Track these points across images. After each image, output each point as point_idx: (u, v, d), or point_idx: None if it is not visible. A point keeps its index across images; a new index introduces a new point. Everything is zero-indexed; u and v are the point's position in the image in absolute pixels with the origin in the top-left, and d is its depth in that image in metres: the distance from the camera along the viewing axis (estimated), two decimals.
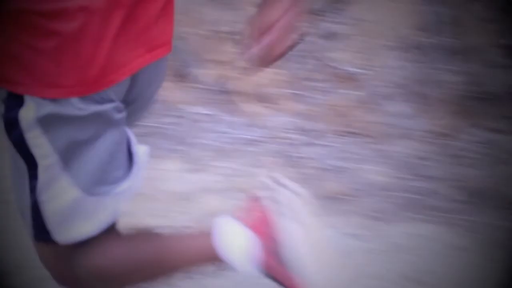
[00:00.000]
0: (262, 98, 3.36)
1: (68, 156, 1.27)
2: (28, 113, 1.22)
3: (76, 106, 1.21)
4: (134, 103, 1.41)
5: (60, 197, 1.31)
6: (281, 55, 1.34)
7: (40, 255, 1.53)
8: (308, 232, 1.35)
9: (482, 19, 3.38)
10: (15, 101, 1.22)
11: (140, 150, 1.44)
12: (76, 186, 1.29)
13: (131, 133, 1.42)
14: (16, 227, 2.82)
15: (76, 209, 1.33)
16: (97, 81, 1.21)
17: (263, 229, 1.36)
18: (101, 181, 1.32)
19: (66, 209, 1.33)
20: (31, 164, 1.28)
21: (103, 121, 1.27)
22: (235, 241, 1.37)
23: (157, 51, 1.35)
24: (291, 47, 1.33)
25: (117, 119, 1.30)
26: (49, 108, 1.20)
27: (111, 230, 1.46)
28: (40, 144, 1.25)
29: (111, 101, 1.26)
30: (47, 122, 1.22)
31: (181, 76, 3.47)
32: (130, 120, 1.42)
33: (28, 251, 2.54)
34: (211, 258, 1.39)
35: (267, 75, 3.29)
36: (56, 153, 1.25)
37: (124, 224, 2.50)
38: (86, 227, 1.37)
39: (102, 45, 1.19)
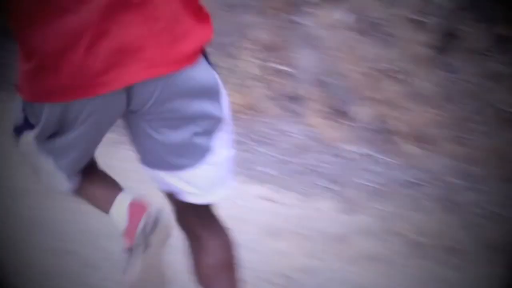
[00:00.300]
0: (421, 139, 3.30)
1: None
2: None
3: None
4: (144, 112, 1.57)
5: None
6: None
7: None
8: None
9: None
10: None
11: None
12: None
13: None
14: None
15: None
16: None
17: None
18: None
19: None
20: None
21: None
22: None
23: (150, 70, 1.48)
24: None
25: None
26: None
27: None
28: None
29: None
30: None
31: (339, 114, 3.47)
32: (158, 123, 1.60)
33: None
34: None
35: (427, 115, 3.23)
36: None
37: (280, 262, 2.52)
38: None
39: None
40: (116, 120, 1.63)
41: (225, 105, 1.67)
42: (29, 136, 1.68)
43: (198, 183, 1.73)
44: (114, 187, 1.82)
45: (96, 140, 1.68)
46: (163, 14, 1.50)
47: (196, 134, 1.63)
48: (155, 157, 1.69)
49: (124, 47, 1.45)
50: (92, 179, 1.82)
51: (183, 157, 1.67)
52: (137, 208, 1.66)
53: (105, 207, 1.76)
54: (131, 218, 1.65)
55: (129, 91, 1.50)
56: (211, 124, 1.65)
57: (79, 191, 1.83)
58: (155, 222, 1.66)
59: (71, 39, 1.42)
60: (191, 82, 1.57)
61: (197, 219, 1.85)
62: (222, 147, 1.71)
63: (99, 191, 1.82)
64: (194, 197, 1.77)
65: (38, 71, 1.51)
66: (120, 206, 1.69)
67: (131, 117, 1.64)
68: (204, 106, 1.60)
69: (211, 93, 1.63)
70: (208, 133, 1.65)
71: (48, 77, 1.49)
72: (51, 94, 1.52)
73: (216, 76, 1.64)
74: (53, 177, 1.77)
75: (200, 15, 1.59)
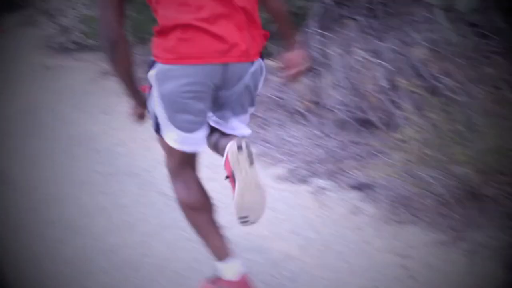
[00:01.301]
0: None
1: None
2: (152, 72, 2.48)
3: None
4: (227, 89, 2.57)
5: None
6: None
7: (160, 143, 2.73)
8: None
9: None
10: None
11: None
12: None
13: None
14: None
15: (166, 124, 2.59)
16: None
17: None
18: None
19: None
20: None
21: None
22: None
23: (235, 57, 2.48)
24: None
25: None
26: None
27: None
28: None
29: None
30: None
31: None
32: (232, 102, 2.64)
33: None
34: None
35: None
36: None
37: None
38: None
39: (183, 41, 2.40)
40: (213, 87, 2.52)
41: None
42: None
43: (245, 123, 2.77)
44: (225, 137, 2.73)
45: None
46: (250, 23, 2.56)
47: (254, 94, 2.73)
48: (231, 109, 2.67)
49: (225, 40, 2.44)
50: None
51: (244, 107, 2.71)
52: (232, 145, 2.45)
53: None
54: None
55: (225, 67, 2.48)
56: (257, 89, 2.75)
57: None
58: (240, 147, 2.42)
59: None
60: (257, 66, 2.63)
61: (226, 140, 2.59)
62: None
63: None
64: (242, 131, 2.74)
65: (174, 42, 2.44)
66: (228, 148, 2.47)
67: (222, 93, 2.60)
68: (260, 80, 2.72)
69: (261, 73, 2.70)
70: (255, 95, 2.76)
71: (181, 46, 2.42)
72: (182, 58, 2.42)
73: (263, 63, 2.69)
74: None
75: (260, 25, 2.66)
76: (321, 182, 4.08)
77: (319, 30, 4.97)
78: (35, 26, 9.52)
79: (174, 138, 2.61)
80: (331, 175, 4.14)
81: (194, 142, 2.65)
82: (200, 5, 2.39)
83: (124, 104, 4.34)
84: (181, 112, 2.52)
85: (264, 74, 2.73)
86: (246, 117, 2.80)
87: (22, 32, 9.65)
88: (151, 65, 2.50)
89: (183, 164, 2.82)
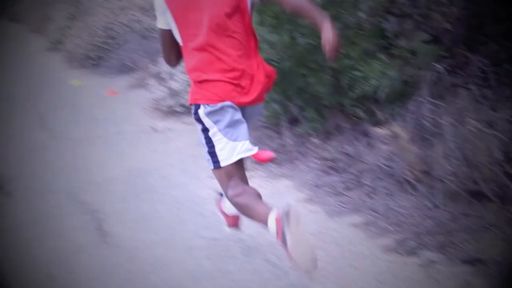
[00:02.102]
0: None
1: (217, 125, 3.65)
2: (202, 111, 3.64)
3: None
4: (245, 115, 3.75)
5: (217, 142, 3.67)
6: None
7: (217, 177, 3.82)
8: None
9: None
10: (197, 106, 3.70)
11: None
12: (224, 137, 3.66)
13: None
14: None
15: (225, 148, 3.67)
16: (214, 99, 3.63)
17: None
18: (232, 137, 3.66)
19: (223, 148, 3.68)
20: (206, 129, 3.68)
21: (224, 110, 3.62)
22: None
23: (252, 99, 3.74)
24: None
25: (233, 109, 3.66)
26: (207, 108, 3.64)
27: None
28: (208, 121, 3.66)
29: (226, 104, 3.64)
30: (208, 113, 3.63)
31: None
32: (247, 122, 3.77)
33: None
34: None
35: None
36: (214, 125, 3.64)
37: None
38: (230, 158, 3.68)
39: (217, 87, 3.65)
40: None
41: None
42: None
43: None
44: (262, 202, 3.67)
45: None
46: (265, 81, 3.75)
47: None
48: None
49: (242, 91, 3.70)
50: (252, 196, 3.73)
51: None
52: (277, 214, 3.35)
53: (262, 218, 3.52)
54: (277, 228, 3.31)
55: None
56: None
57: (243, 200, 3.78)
58: (288, 214, 3.25)
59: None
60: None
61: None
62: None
63: (256, 204, 3.67)
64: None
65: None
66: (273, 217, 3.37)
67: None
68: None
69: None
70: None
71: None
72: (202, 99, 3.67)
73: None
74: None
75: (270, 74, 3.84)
76: (431, 255, 4.02)
77: (431, 99, 4.95)
78: (145, 89, 9.87)
79: (225, 154, 3.67)
80: (441, 248, 4.07)
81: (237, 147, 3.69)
82: (226, 68, 3.60)
83: None
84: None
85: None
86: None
87: (133, 94, 10.01)
88: (196, 109, 3.67)
89: (236, 181, 3.72)
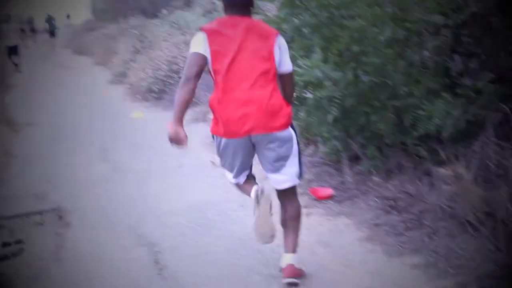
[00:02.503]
0: None
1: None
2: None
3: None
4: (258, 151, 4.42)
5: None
6: None
7: None
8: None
9: None
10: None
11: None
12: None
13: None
14: None
15: None
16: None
17: None
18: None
19: None
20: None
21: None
22: None
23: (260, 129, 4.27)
24: None
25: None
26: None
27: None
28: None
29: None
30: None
31: None
32: (266, 163, 4.46)
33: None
34: None
35: None
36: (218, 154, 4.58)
37: None
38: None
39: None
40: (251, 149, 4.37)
41: (294, 146, 4.38)
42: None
43: (281, 179, 4.43)
44: (253, 183, 4.46)
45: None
46: (279, 110, 4.28)
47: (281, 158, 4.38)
48: (267, 166, 4.42)
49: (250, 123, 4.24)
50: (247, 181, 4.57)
51: (277, 167, 4.38)
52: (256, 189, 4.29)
53: (248, 193, 4.41)
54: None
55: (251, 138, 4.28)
56: (286, 153, 4.37)
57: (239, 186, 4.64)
58: (262, 191, 4.26)
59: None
60: (281, 136, 4.32)
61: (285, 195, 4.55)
62: (291, 165, 4.41)
63: (247, 186, 4.48)
64: (283, 185, 4.45)
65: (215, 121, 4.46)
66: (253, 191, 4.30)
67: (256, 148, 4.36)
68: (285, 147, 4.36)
69: (287, 141, 4.36)
70: (286, 158, 4.38)
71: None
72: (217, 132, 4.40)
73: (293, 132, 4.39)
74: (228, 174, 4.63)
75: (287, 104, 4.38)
76: None
77: (496, 140, 4.90)
78: (206, 123, 9.95)
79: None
80: None
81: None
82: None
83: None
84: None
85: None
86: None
87: (194, 128, 10.10)
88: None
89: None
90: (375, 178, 5.91)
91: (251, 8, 4.52)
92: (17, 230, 6.40)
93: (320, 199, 5.97)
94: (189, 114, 10.95)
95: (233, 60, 4.24)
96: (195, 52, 4.30)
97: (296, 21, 6.09)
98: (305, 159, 6.94)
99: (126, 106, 14.33)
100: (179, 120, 4.28)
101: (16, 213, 6.94)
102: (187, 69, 4.31)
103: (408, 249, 4.82)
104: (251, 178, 4.59)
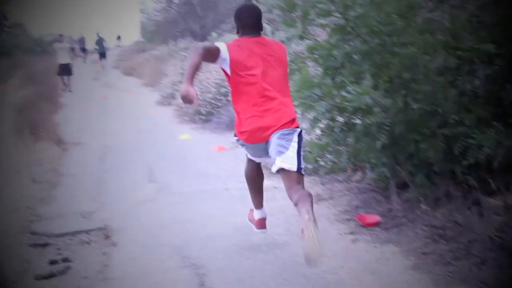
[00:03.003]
0: None
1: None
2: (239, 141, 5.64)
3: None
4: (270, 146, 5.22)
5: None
6: None
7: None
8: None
9: None
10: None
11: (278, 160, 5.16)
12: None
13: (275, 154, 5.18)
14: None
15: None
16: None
17: None
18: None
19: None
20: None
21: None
22: None
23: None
24: None
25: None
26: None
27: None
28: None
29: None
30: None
31: None
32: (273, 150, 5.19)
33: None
34: None
35: None
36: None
37: None
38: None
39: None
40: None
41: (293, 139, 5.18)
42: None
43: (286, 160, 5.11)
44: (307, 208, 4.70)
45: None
46: (288, 110, 5.24)
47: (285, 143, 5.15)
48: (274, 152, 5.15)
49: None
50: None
51: (280, 151, 5.10)
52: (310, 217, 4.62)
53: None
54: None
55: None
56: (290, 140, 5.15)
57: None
58: (315, 220, 4.58)
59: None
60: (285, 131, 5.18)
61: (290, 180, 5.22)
62: (293, 148, 5.14)
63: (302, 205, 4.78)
64: (284, 164, 5.11)
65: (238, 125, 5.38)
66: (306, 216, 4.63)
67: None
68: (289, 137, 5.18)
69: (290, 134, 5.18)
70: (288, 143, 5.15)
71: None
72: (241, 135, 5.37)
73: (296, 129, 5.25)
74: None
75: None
76: None
77: None
78: None
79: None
80: None
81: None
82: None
83: (336, 232, 4.40)
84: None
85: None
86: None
87: (240, 151, 10.14)
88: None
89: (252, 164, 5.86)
90: (423, 206, 5.87)
91: (260, 29, 5.49)
92: (64, 248, 6.52)
93: (367, 225, 5.95)
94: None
95: (261, 72, 5.19)
96: (217, 44, 5.25)
97: (347, 47, 6.10)
98: (352, 185, 6.94)
99: (173, 127, 14.49)
100: (190, 80, 4.91)
101: (64, 231, 7.05)
102: (205, 44, 5.51)
103: (456, 279, 4.77)
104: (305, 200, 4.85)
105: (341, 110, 6.21)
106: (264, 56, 5.25)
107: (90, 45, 40.38)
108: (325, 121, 6.51)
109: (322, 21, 6.32)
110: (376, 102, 5.68)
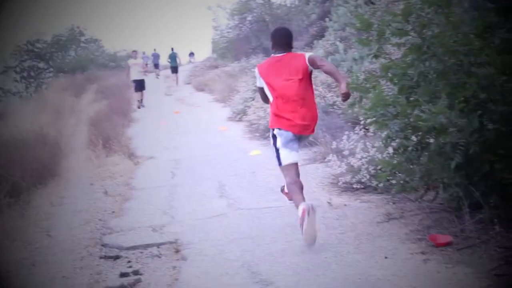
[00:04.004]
0: None
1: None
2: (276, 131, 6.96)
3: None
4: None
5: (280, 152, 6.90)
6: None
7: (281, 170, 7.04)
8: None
9: None
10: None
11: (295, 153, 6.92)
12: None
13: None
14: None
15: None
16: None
17: None
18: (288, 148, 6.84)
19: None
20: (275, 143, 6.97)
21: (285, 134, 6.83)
22: None
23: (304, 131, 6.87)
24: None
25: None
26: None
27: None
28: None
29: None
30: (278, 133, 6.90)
31: None
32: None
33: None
34: None
35: None
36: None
37: None
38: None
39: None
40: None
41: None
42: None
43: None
44: (302, 195, 6.69)
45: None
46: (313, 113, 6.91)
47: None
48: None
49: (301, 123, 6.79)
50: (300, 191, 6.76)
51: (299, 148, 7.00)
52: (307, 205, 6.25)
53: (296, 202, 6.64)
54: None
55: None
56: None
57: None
58: (313, 207, 6.19)
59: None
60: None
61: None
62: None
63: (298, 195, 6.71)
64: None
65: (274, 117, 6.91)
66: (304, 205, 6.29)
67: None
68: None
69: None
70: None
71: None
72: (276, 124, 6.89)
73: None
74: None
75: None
76: None
77: None
78: (324, 163, 10.03)
79: (284, 156, 6.85)
80: None
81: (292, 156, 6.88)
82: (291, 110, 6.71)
83: (407, 252, 4.37)
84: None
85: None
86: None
87: (311, 168, 10.17)
88: (272, 131, 6.96)
89: (290, 172, 6.88)
90: (497, 227, 5.79)
91: (289, 47, 7.04)
92: (134, 261, 6.64)
93: (439, 246, 5.89)
94: (308, 154, 11.11)
95: (283, 85, 6.78)
96: (258, 87, 7.31)
97: (422, 66, 6.07)
98: (424, 204, 6.88)
99: (244, 143, 14.56)
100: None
101: (135, 244, 7.18)
102: (261, 99, 7.55)
103: None
104: (301, 189, 6.83)
105: (415, 129, 6.18)
106: (282, 69, 6.84)
107: (163, 61, 41.05)
108: (398, 140, 6.47)
109: (397, 40, 6.32)
110: (451, 122, 5.64)
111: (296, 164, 6.92)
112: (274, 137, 6.89)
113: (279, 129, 6.79)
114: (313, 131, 7.02)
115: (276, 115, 6.81)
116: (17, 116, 20.35)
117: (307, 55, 6.84)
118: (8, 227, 8.29)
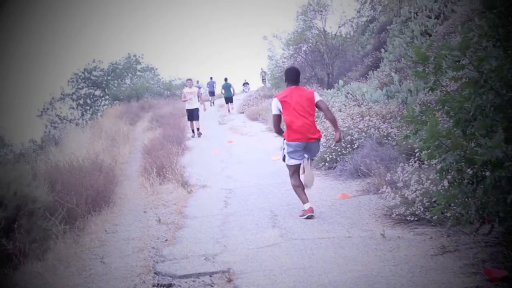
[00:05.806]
0: None
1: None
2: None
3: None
4: (309, 151, 9.93)
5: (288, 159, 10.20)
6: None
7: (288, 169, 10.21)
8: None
9: None
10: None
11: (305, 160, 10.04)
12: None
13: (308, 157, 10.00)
14: None
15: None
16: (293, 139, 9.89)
17: None
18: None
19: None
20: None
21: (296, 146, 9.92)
22: None
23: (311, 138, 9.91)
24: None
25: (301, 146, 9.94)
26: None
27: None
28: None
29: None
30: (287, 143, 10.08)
31: None
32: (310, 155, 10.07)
33: None
34: None
35: None
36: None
37: None
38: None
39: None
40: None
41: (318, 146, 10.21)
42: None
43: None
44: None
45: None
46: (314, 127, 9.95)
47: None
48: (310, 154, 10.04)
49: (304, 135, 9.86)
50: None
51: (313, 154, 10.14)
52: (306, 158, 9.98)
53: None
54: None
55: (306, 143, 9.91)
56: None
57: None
58: (308, 158, 9.95)
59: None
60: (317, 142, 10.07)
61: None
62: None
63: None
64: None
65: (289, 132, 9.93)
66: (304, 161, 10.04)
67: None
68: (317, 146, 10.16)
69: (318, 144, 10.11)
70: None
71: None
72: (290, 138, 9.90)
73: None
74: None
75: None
76: None
77: None
78: (377, 195, 10.01)
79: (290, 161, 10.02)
80: None
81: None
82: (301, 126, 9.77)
83: (461, 286, 4.33)
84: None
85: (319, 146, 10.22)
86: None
87: (364, 199, 10.16)
88: (284, 140, 10.07)
89: (295, 171, 10.00)
90: None
91: (298, 82, 10.00)
92: None
93: (493, 280, 5.83)
94: (360, 185, 11.11)
95: (293, 109, 9.60)
96: (274, 114, 9.93)
97: (479, 100, 6.05)
98: (479, 237, 6.81)
99: None
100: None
101: (187, 273, 7.26)
102: (274, 126, 10.26)
103: None
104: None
105: (470, 162, 6.14)
106: (298, 97, 9.73)
107: (218, 89, 41.39)
108: (453, 172, 6.43)
109: (454, 73, 6.31)
110: (507, 156, 5.60)
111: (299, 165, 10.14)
112: (287, 144, 10.05)
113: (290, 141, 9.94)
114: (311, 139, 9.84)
115: (291, 129, 9.85)
116: (73, 143, 20.67)
117: (317, 98, 9.84)
118: (63, 253, 8.45)
